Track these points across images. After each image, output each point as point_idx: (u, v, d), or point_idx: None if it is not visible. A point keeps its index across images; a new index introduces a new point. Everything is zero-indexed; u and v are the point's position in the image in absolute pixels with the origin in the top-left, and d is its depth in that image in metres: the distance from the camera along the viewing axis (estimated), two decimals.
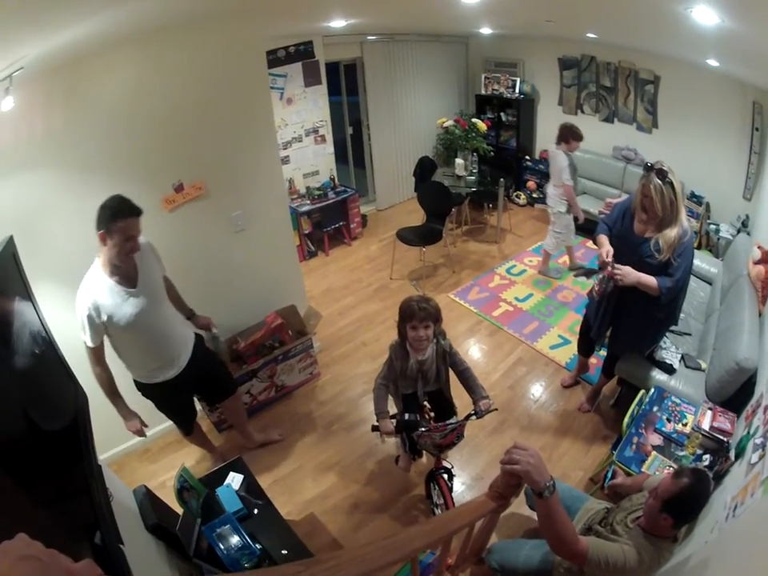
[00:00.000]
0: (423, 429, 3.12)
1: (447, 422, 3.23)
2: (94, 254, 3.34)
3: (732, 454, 3.05)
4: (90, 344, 2.92)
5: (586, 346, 4.62)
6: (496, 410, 3.15)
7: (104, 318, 2.86)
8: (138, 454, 4.36)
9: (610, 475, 3.16)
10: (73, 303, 3.42)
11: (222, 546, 2.65)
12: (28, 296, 2.18)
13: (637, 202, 3.43)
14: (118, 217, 2.71)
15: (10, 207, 3.12)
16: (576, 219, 6.38)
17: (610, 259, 3.50)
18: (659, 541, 2.34)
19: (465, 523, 2.31)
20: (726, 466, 3.03)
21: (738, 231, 6.05)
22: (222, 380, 3.85)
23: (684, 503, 2.27)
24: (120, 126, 3.36)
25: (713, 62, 5.63)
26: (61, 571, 0.89)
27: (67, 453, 1.97)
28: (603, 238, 3.71)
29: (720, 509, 2.57)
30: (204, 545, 2.69)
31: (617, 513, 2.71)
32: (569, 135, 5.86)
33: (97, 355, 2.99)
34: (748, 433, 2.98)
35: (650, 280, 3.43)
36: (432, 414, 3.65)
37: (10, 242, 2.10)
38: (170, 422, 4.38)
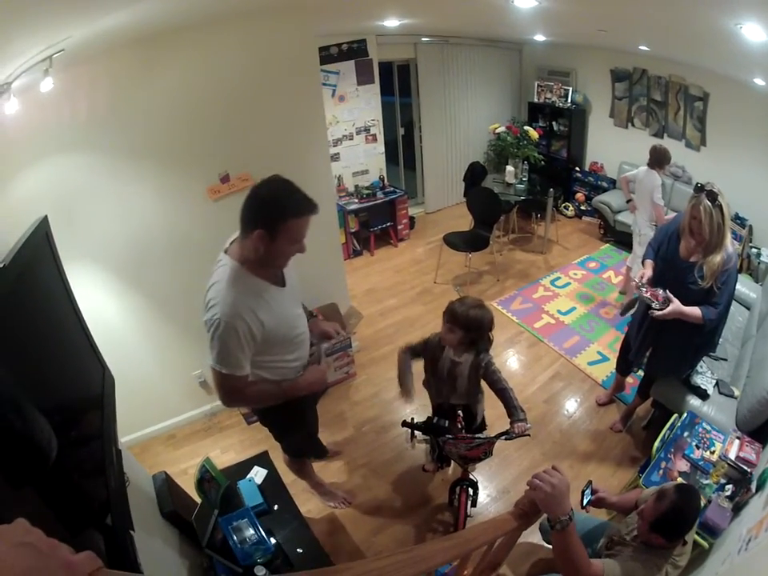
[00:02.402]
0: (449, 436, 3.06)
1: (476, 435, 3.18)
2: (137, 238, 3.41)
3: (753, 486, 3.01)
4: (240, 372, 2.26)
5: (624, 365, 4.50)
6: (529, 435, 3.03)
7: (265, 324, 2.24)
8: (163, 439, 4.35)
9: (588, 496, 2.92)
10: (109, 285, 3.42)
11: (236, 539, 2.58)
12: (60, 276, 2.11)
13: (685, 224, 3.32)
14: (293, 215, 2.09)
15: (51, 188, 3.10)
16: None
17: (644, 281, 3.45)
18: (666, 551, 2.32)
19: (485, 541, 2.21)
20: (746, 497, 3.00)
21: None
22: None
23: (670, 523, 2.25)
24: (168, 113, 3.35)
25: (759, 81, 5.57)
26: (59, 561, 0.83)
27: (88, 434, 1.94)
28: (648, 263, 3.63)
29: (734, 541, 2.54)
30: (218, 536, 2.61)
31: (621, 531, 2.69)
32: (663, 158, 5.50)
33: (240, 384, 2.31)
34: None
35: (695, 312, 3.33)
36: (463, 424, 3.48)
37: (44, 221, 2.01)
38: (198, 410, 4.50)
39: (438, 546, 2.09)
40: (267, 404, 2.68)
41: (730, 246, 3.27)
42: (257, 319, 2.20)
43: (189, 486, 2.84)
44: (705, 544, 2.90)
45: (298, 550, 2.75)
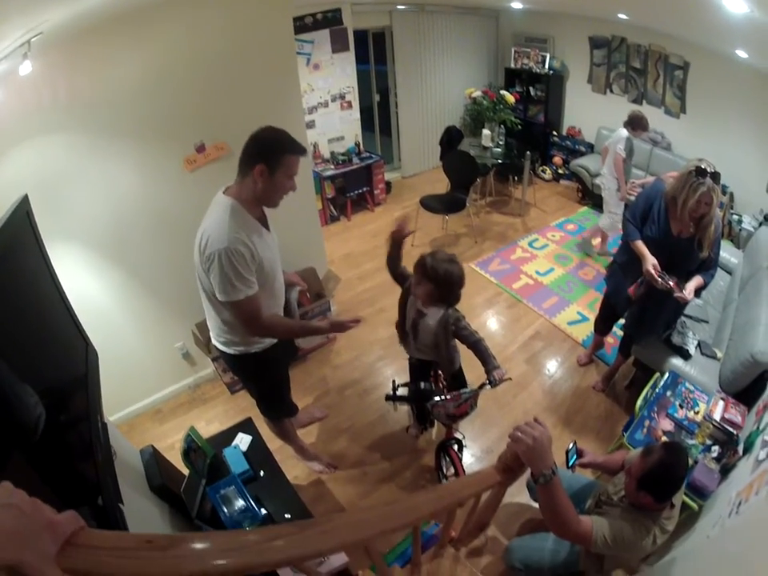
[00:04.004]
0: (438, 398, 3.01)
1: (461, 391, 3.08)
2: (117, 215, 3.40)
3: (740, 449, 3.03)
4: (252, 290, 2.42)
5: (603, 326, 4.57)
6: (510, 379, 3.05)
7: (257, 256, 2.43)
8: (150, 414, 4.30)
9: (573, 456, 2.98)
10: (91, 262, 3.39)
11: (224, 508, 2.56)
12: (41, 254, 2.10)
13: (689, 208, 3.23)
14: (289, 151, 2.36)
15: (31, 170, 3.05)
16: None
17: (657, 272, 3.42)
18: (653, 513, 2.31)
19: (470, 494, 2.20)
20: (733, 459, 3.02)
21: (760, 224, 5.98)
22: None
23: (657, 479, 2.23)
24: (143, 88, 3.29)
25: (742, 53, 5.55)
26: (42, 521, 0.88)
27: (74, 407, 1.92)
28: (642, 246, 3.56)
29: (724, 504, 2.58)
30: (208, 506, 2.61)
31: (608, 491, 2.71)
32: (637, 123, 5.73)
33: (257, 302, 2.48)
34: (758, 428, 2.97)
35: (699, 283, 3.45)
36: (445, 383, 3.53)
37: (25, 200, 2.01)
38: (181, 383, 4.47)
39: (421, 499, 2.11)
40: (282, 335, 2.89)
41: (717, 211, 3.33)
42: (254, 249, 2.39)
43: (178, 460, 2.82)
44: (694, 506, 2.93)
45: (287, 515, 2.75)
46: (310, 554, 1.39)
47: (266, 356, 2.91)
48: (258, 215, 2.51)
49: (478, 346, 3.07)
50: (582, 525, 2.16)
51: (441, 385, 3.56)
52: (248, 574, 1.30)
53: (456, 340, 3.26)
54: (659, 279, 3.37)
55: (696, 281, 3.41)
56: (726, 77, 6.45)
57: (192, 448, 2.80)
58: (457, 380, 3.47)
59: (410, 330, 3.25)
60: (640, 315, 3.93)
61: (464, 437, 3.54)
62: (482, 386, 3.03)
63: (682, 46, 6.84)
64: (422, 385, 3.11)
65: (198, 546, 1.13)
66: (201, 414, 4.26)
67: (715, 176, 3.12)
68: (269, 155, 2.31)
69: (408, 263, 3.12)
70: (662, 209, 3.46)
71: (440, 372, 3.53)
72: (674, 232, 3.43)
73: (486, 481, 2.16)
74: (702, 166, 3.13)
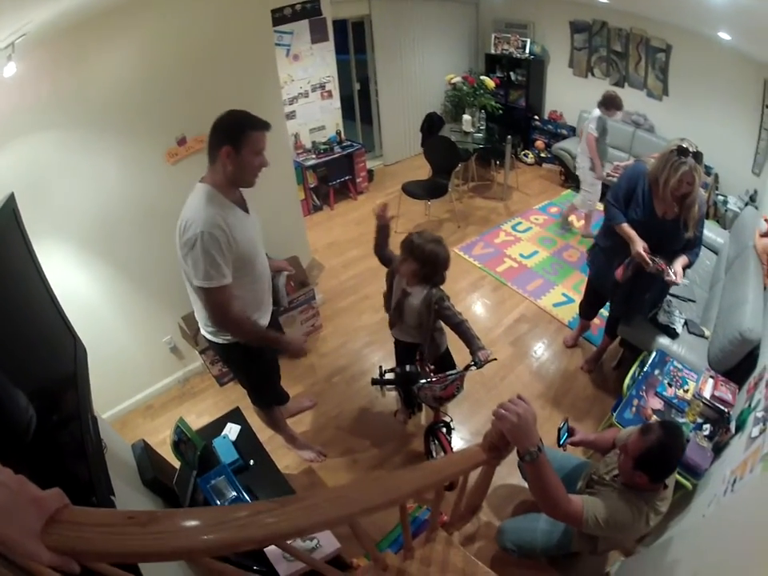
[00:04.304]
0: (424, 381, 3.05)
1: (447, 373, 3.14)
2: (103, 211, 3.42)
3: (732, 426, 3.04)
4: (226, 280, 2.43)
5: (589, 310, 4.62)
6: (495, 359, 3.07)
7: (237, 238, 2.45)
8: (141, 410, 4.31)
9: (565, 434, 3.03)
10: (78, 259, 3.41)
11: (216, 499, 2.58)
12: (28, 251, 2.12)
13: (671, 187, 3.23)
14: (250, 128, 2.39)
15: (18, 168, 3.04)
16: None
17: (648, 255, 3.41)
18: (647, 494, 2.30)
19: (456, 471, 2.26)
20: (726, 437, 3.02)
21: (746, 204, 5.99)
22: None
23: (655, 460, 2.21)
24: (126, 84, 3.30)
25: (724, 36, 5.59)
26: (28, 497, 0.94)
27: (63, 404, 1.93)
28: (629, 228, 3.55)
29: (718, 482, 2.58)
30: (200, 498, 2.63)
31: (600, 470, 2.70)
32: (610, 102, 5.82)
33: (229, 293, 2.48)
34: (749, 406, 2.96)
35: (686, 263, 3.49)
36: (432, 366, 3.54)
37: (11, 198, 2.06)
38: (171, 378, 4.49)
39: (405, 476, 2.11)
40: (245, 336, 2.75)
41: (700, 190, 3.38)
42: (231, 232, 2.40)
43: (170, 455, 2.85)
44: (688, 485, 2.95)
45: None
46: (291, 529, 1.40)
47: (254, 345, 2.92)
48: (234, 198, 2.53)
49: (460, 327, 3.11)
50: (573, 504, 2.16)
51: (427, 368, 3.55)
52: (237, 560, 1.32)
53: (441, 322, 3.27)
54: (650, 262, 3.38)
55: (682, 260, 3.44)
56: (708, 59, 6.47)
57: (182, 440, 2.83)
58: (445, 362, 3.52)
59: (395, 310, 3.29)
60: (626, 297, 3.94)
61: (452, 420, 3.56)
62: (467, 368, 3.07)
63: (663, 29, 6.88)
64: (408, 368, 3.12)
65: (179, 521, 1.15)
66: (191, 407, 4.27)
67: (697, 155, 3.12)
68: (232, 135, 2.35)
69: (395, 249, 3.15)
70: (645, 190, 3.45)
71: (426, 354, 3.52)
72: (659, 213, 3.44)
73: (471, 459, 2.16)
74: (684, 146, 3.12)
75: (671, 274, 3.35)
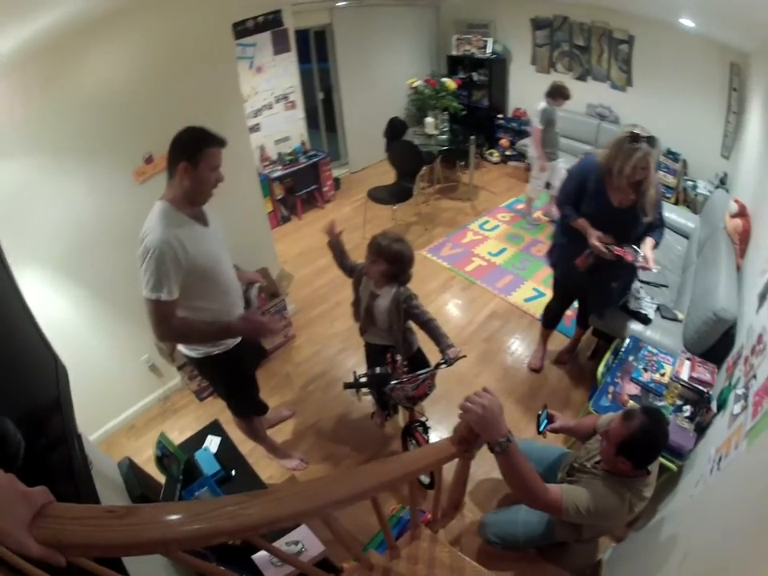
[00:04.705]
0: (395, 382, 3.14)
1: (418, 372, 3.24)
2: (76, 233, 3.46)
3: (714, 406, 3.08)
4: (168, 296, 2.46)
5: (555, 315, 4.61)
6: (464, 356, 3.15)
7: (190, 252, 2.49)
8: (125, 431, 4.32)
9: (544, 420, 3.09)
10: (55, 283, 3.47)
11: None
12: (6, 274, 2.14)
13: (626, 175, 3.23)
14: (207, 144, 2.49)
15: None
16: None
17: (606, 244, 3.46)
18: (629, 480, 2.32)
19: (425, 464, 2.24)
20: (708, 417, 3.08)
21: (717, 188, 6.11)
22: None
23: (638, 445, 2.23)
24: (92, 105, 3.34)
25: (687, 22, 5.71)
26: (18, 492, 1.04)
27: (47, 424, 1.95)
28: (583, 221, 3.59)
29: (704, 462, 2.62)
30: None
31: (580, 457, 2.72)
32: (556, 92, 6.15)
33: (171, 310, 2.52)
34: (730, 384, 2.99)
35: (652, 243, 3.51)
36: (406, 369, 3.59)
37: None
38: (151, 396, 4.50)
39: (375, 469, 2.18)
40: (196, 341, 2.85)
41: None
42: (183, 247, 2.45)
43: (156, 472, 2.91)
44: (672, 467, 3.00)
45: None
46: (260, 520, 1.47)
47: (229, 356, 3.00)
48: (191, 213, 2.61)
49: (429, 325, 3.20)
50: (551, 493, 2.16)
51: (399, 369, 3.59)
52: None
53: (411, 322, 3.37)
54: (606, 251, 3.43)
55: (650, 243, 3.48)
56: (671, 47, 6.64)
57: (165, 454, 2.90)
58: (418, 361, 3.58)
59: (366, 314, 3.36)
60: (595, 289, 4.00)
61: (427, 419, 3.66)
62: (437, 366, 3.18)
63: (625, 20, 7.05)
64: (377, 369, 3.22)
65: (154, 514, 1.26)
66: (173, 424, 4.31)
67: (651, 140, 3.14)
68: (189, 152, 2.44)
69: (360, 255, 3.27)
70: (598, 181, 3.45)
71: (398, 356, 3.57)
72: (615, 203, 3.45)
73: (440, 452, 2.19)
74: (636, 132, 3.13)
75: (640, 259, 3.39)
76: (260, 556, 2.45)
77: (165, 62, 3.61)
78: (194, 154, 2.44)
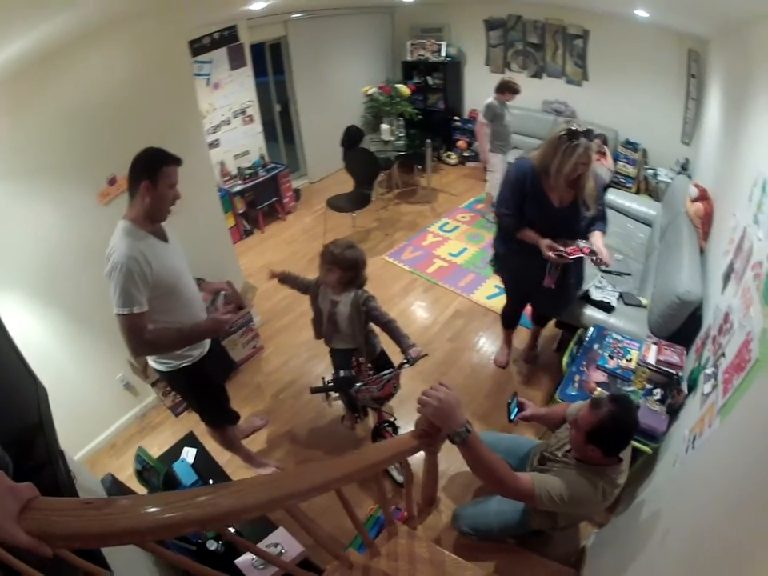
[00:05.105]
0: (360, 384, 3.25)
1: (382, 373, 3.34)
2: (46, 256, 3.52)
3: (685, 387, 3.16)
4: (139, 308, 2.58)
5: (512, 317, 4.67)
6: (426, 355, 3.30)
7: (154, 267, 2.62)
8: (106, 450, 4.34)
9: (515, 409, 3.08)
10: (30, 308, 3.49)
11: None
12: None
13: (565, 173, 3.23)
14: (164, 163, 2.63)
15: None
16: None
17: (555, 252, 3.43)
18: (601, 468, 2.37)
19: (386, 458, 2.31)
20: (679, 399, 3.15)
21: (678, 174, 6.26)
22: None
23: (607, 433, 2.26)
24: (57, 129, 3.41)
25: (642, 13, 5.80)
26: (5, 487, 1.14)
27: (29, 443, 1.99)
28: (530, 233, 3.56)
29: (679, 442, 2.68)
30: None
31: (551, 446, 2.78)
32: (504, 87, 6.31)
33: (143, 323, 2.63)
34: (699, 365, 3.06)
35: (601, 235, 3.56)
36: (371, 371, 3.67)
37: None
38: (129, 414, 4.52)
39: (334, 463, 2.25)
40: (171, 348, 2.94)
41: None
42: (147, 261, 2.59)
43: (139, 488, 3.02)
44: (647, 450, 3.07)
45: None
46: (225, 509, 1.57)
47: (198, 368, 3.11)
48: (152, 230, 2.74)
49: (389, 326, 3.35)
50: (521, 481, 2.20)
51: (365, 371, 3.64)
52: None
53: (372, 324, 3.50)
54: (563, 257, 3.42)
55: (599, 237, 3.51)
56: (627, 38, 6.84)
57: (145, 467, 3.03)
58: (381, 363, 3.68)
59: (329, 323, 3.49)
60: (552, 293, 3.96)
61: (396, 419, 3.78)
62: (400, 366, 3.33)
63: (579, 15, 7.26)
64: (342, 373, 3.33)
65: (127, 504, 1.41)
66: (152, 440, 4.33)
67: (588, 133, 3.12)
68: (149, 170, 2.58)
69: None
70: (536, 184, 3.43)
71: (361, 359, 3.62)
72: (556, 204, 3.46)
73: (401, 446, 2.28)
74: (573, 128, 3.11)
75: (596, 255, 3.39)
76: (242, 560, 2.55)
77: (125, 85, 3.67)
78: (153, 173, 2.58)
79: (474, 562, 2.79)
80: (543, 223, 3.52)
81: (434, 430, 2.10)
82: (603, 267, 3.62)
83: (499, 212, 3.67)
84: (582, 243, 3.47)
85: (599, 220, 3.59)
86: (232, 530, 2.58)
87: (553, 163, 3.23)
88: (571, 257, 3.42)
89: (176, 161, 2.67)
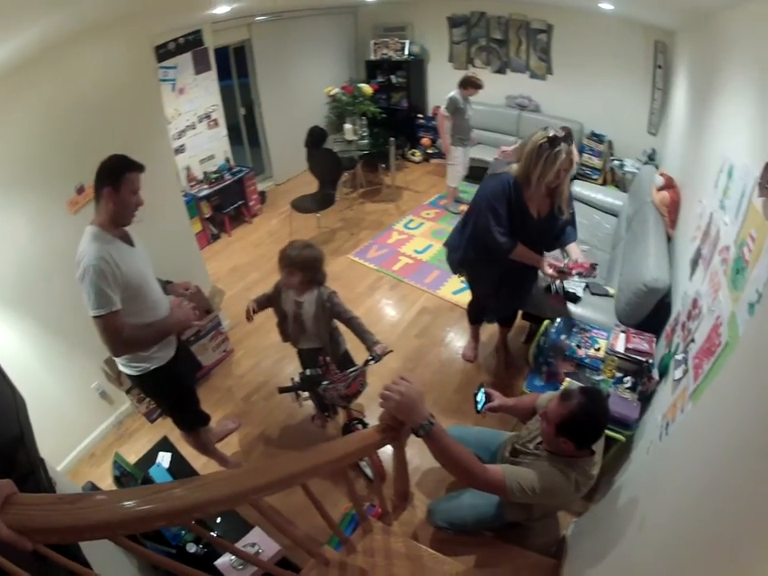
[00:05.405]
0: (327, 382, 3.30)
1: (348, 370, 3.42)
2: (20, 267, 3.54)
3: (656, 374, 3.21)
4: (115, 306, 2.67)
5: (478, 313, 4.74)
6: (391, 351, 3.41)
7: (122, 269, 2.71)
8: (86, 460, 4.37)
9: (482, 399, 3.08)
10: (4, 319, 3.50)
11: None
12: None
13: (548, 181, 3.24)
14: (126, 170, 2.71)
15: None
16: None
17: (557, 266, 3.50)
18: (573, 460, 2.39)
19: (350, 452, 2.33)
20: (650, 386, 3.21)
21: (645, 164, 6.38)
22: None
23: (578, 425, 2.28)
24: (22, 140, 3.44)
25: (606, 6, 5.88)
26: None
27: (12, 451, 2.00)
28: (525, 250, 3.58)
29: (653, 429, 2.76)
30: None
31: (522, 437, 2.81)
32: (466, 82, 6.52)
33: (121, 321, 2.72)
34: (670, 351, 3.13)
35: (576, 244, 3.70)
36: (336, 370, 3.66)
37: None
38: (106, 423, 4.52)
39: (300, 457, 2.25)
40: (148, 345, 3.03)
41: None
42: (115, 263, 2.68)
43: None
44: (620, 438, 3.14)
45: (218, 520, 3.04)
46: (191, 502, 1.66)
47: (166, 370, 3.19)
48: (118, 234, 2.83)
49: (353, 323, 3.47)
50: (490, 473, 2.23)
51: (331, 370, 3.59)
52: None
53: (336, 321, 3.61)
54: (565, 273, 3.49)
55: (577, 249, 3.64)
56: (591, 31, 6.99)
57: (123, 473, 3.11)
58: (346, 362, 3.78)
59: (295, 324, 3.58)
60: (509, 297, 4.15)
61: (365, 416, 3.87)
62: (366, 363, 3.38)
63: (543, 10, 7.40)
64: (308, 371, 3.33)
65: (99, 499, 1.53)
66: (129, 448, 4.33)
67: (567, 137, 3.12)
68: (112, 177, 2.67)
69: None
70: (518, 197, 3.42)
71: (327, 359, 3.60)
72: (535, 215, 3.50)
73: (364, 440, 2.35)
74: (551, 135, 3.09)
75: (580, 265, 3.46)
76: (222, 562, 2.62)
77: (91, 95, 3.73)
78: (116, 180, 2.67)
79: (453, 557, 2.84)
80: (523, 236, 3.55)
81: (398, 423, 2.14)
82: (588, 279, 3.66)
83: (493, 229, 3.53)
84: (576, 257, 3.56)
85: (571, 226, 3.68)
86: (214, 533, 2.66)
87: (535, 172, 3.22)
88: (574, 272, 3.45)
89: (138, 167, 2.76)
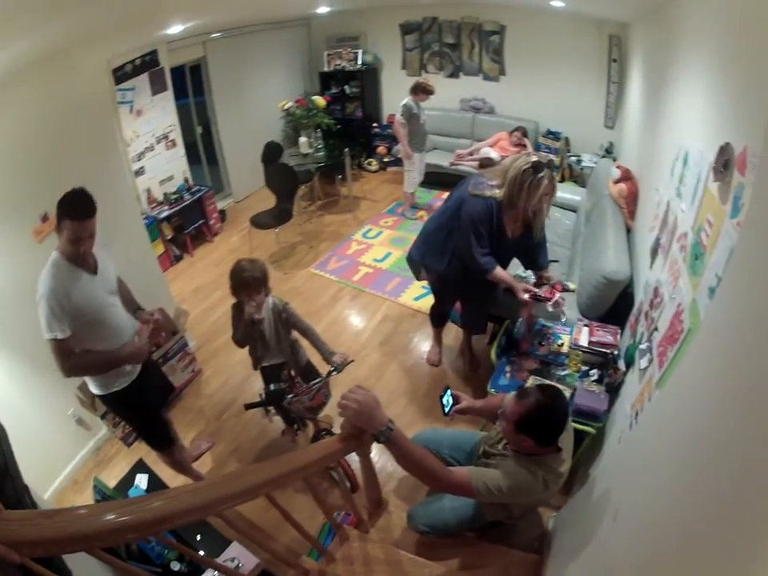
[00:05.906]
0: (291, 396, 3.38)
1: (311, 383, 3.51)
2: None
3: (622, 365, 3.33)
4: (63, 334, 2.79)
5: (441, 316, 4.85)
6: (353, 361, 3.51)
7: (73, 299, 2.81)
8: (70, 486, 4.39)
9: (449, 402, 3.12)
10: None
11: (144, 542, 2.87)
12: None
13: (533, 206, 3.33)
14: (66, 217, 2.71)
15: None
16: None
17: (529, 296, 3.57)
18: (540, 458, 2.42)
19: (313, 460, 2.37)
20: (617, 377, 3.30)
21: (602, 158, 6.55)
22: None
23: (536, 422, 2.32)
24: None
25: (557, 3, 6.07)
26: None
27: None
28: (503, 273, 3.66)
29: (623, 419, 2.85)
30: (133, 546, 2.86)
31: (491, 438, 2.89)
32: (417, 88, 6.71)
33: (69, 347, 2.85)
34: (634, 341, 3.21)
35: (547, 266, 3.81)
36: (298, 379, 3.79)
37: None
38: (85, 449, 4.56)
39: (264, 467, 2.34)
40: (99, 370, 3.12)
41: None
42: (66, 294, 2.80)
43: None
44: (590, 430, 3.20)
45: (197, 537, 3.11)
46: (160, 514, 1.76)
47: (130, 390, 3.27)
48: (80, 261, 2.91)
49: (309, 332, 3.58)
50: (455, 475, 2.28)
51: (296, 383, 3.75)
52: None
53: (296, 332, 3.70)
54: (537, 300, 3.58)
55: (550, 271, 3.78)
56: (544, 30, 7.21)
57: (104, 497, 3.23)
58: (308, 374, 3.81)
59: (260, 342, 3.62)
60: (474, 304, 4.29)
61: (332, 427, 3.93)
62: (329, 374, 3.47)
63: (495, 11, 7.59)
64: (272, 386, 3.46)
65: (74, 513, 1.68)
66: (109, 473, 4.34)
67: (550, 163, 3.25)
68: (59, 215, 2.73)
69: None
70: (499, 219, 3.49)
71: (292, 372, 3.78)
72: (509, 235, 3.56)
73: (326, 449, 2.42)
74: (534, 160, 3.19)
75: (555, 285, 3.62)
76: None
77: (50, 121, 3.80)
78: (59, 221, 2.75)
79: (436, 560, 2.93)
80: (498, 255, 3.63)
81: (358, 431, 2.20)
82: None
83: (477, 251, 3.57)
84: (549, 284, 3.69)
85: (542, 249, 3.79)
86: (202, 553, 2.79)
87: (520, 198, 3.29)
88: (548, 303, 3.56)
89: (78, 216, 2.75)
